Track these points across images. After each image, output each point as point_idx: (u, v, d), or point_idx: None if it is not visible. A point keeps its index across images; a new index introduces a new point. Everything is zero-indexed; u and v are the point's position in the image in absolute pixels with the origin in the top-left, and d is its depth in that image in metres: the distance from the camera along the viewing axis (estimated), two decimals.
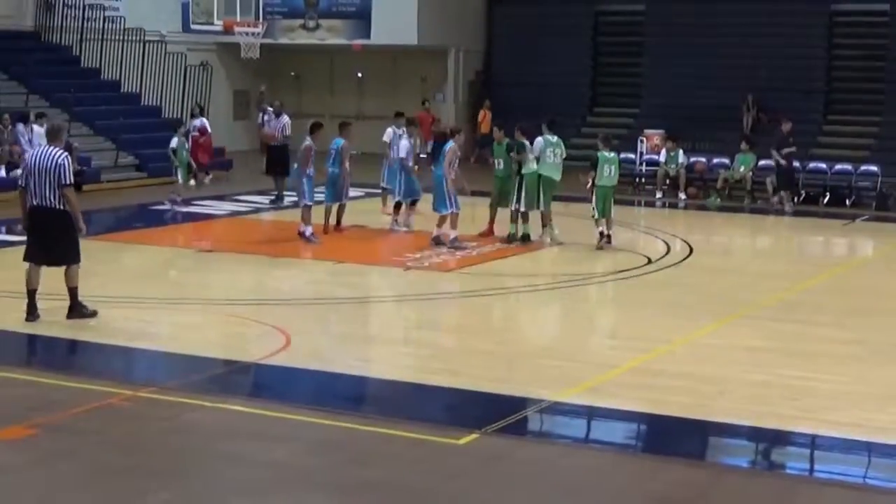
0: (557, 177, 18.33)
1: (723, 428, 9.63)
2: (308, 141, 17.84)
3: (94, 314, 12.40)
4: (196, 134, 25.74)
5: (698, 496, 8.09)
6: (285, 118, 23.78)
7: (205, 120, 26.72)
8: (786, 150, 23.93)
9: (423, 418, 9.53)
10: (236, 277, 15.59)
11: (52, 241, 12.30)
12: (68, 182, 12.11)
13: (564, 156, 18.49)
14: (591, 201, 17.88)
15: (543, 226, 18.32)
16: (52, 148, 12.29)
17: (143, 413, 9.53)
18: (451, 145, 17.65)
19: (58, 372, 10.65)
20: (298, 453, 8.70)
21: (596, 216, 17.78)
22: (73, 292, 12.37)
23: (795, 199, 23.96)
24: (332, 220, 18.59)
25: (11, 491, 7.82)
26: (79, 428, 9.04)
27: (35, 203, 12.19)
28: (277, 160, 23.15)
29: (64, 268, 12.39)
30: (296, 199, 18.57)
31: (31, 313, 12.29)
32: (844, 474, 8.88)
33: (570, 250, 17.91)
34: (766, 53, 29.77)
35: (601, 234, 17.78)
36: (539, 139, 18.36)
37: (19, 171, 12.28)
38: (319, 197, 18.35)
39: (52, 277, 12.47)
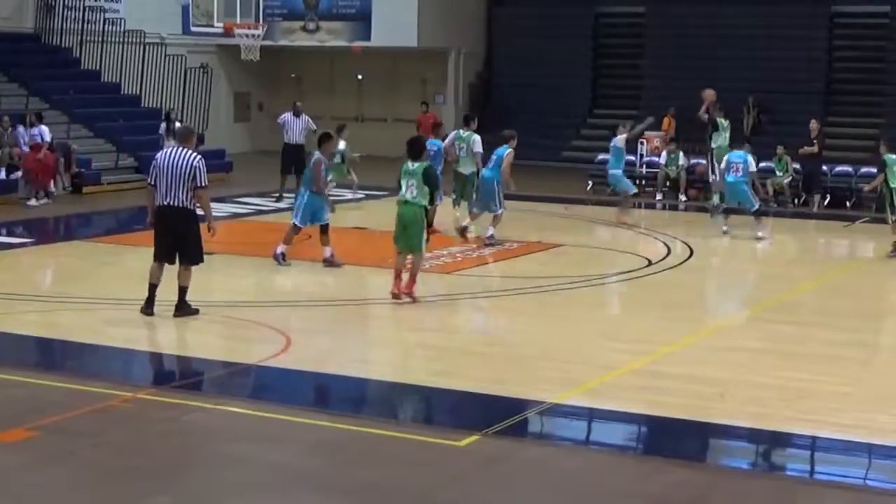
0: (464, 171, 18.61)
1: (723, 429, 9.64)
2: (317, 154, 16.65)
3: (196, 312, 12.67)
4: (39, 143, 23.10)
5: (698, 497, 8.09)
6: (305, 118, 23.98)
7: (44, 128, 23.82)
8: (802, 150, 23.91)
9: (424, 420, 9.55)
10: (236, 279, 15.58)
11: (181, 239, 12.57)
12: (204, 184, 12.41)
13: (478, 150, 18.82)
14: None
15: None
16: (184, 149, 12.51)
17: (143, 415, 9.54)
18: (508, 150, 17.93)
19: (58, 374, 10.66)
20: (298, 455, 8.70)
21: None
22: (182, 291, 12.62)
23: (816, 200, 23.93)
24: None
25: (11, 492, 7.82)
26: (79, 430, 9.05)
27: (166, 203, 12.42)
28: (293, 158, 23.49)
29: (180, 267, 12.65)
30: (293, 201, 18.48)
31: (149, 307, 12.56)
32: (845, 476, 8.88)
33: (570, 252, 17.91)
34: (766, 55, 29.79)
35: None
36: (452, 132, 18.87)
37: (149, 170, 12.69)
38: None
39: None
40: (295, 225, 16.15)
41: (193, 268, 12.68)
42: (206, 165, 12.55)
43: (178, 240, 12.59)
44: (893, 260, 17.78)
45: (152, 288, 12.61)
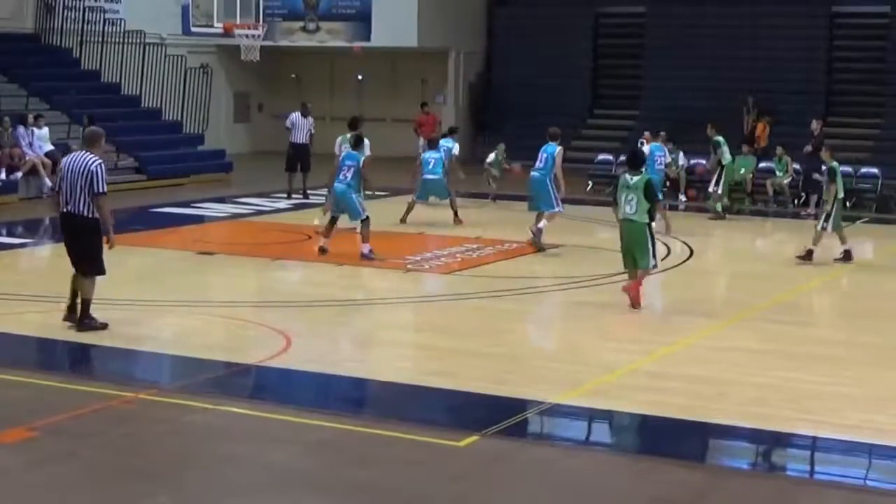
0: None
1: (722, 430, 9.63)
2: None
3: (105, 327, 12.05)
4: None
5: (698, 498, 8.09)
6: (311, 119, 24.32)
7: None
8: (806, 150, 23.96)
9: (424, 420, 9.54)
10: (237, 279, 15.59)
11: (79, 249, 12.05)
12: (101, 191, 11.80)
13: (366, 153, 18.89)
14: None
15: None
16: (86, 154, 11.96)
17: (143, 415, 9.54)
18: (558, 149, 17.81)
19: (58, 374, 10.67)
20: (299, 455, 8.70)
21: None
22: (84, 304, 12.03)
23: (813, 200, 23.96)
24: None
25: (11, 493, 7.82)
26: (79, 430, 9.05)
27: (66, 210, 11.92)
28: (300, 157, 23.63)
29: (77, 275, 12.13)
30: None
31: (83, 318, 12.00)
32: (844, 476, 8.89)
33: (570, 253, 17.91)
34: (766, 55, 29.79)
35: None
36: (339, 137, 19.32)
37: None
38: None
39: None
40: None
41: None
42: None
43: (79, 250, 12.04)
44: (893, 259, 17.77)
45: (83, 300, 12.05)
